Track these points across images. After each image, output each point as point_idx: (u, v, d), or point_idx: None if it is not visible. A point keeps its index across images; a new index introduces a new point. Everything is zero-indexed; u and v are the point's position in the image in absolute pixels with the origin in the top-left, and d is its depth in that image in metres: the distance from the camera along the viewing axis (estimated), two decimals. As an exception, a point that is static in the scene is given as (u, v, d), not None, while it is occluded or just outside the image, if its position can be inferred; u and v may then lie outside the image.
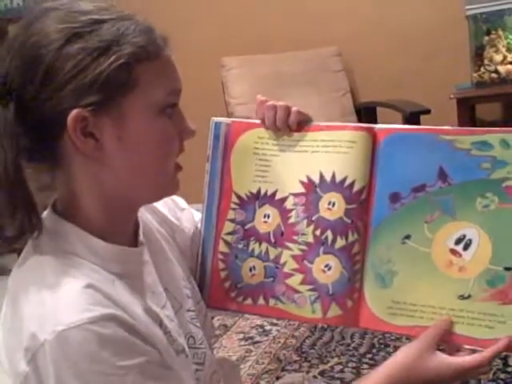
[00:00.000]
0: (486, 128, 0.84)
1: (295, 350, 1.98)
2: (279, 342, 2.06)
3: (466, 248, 0.84)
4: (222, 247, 0.95)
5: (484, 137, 0.83)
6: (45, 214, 0.78)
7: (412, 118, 2.58)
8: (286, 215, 0.92)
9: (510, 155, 0.82)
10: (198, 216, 0.99)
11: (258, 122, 0.94)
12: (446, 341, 0.83)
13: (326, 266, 0.90)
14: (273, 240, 0.93)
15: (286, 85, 2.95)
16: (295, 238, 0.91)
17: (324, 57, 3.06)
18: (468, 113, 2.69)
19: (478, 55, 2.73)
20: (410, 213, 0.86)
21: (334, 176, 0.89)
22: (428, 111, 2.59)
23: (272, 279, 0.92)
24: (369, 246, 0.89)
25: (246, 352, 2.02)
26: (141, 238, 0.83)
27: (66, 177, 0.75)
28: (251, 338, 2.11)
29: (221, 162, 0.95)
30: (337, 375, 1.82)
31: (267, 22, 3.28)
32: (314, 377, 1.81)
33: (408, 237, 0.86)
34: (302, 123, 0.92)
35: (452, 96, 2.67)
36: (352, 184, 0.88)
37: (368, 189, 0.89)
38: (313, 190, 0.91)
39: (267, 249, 0.93)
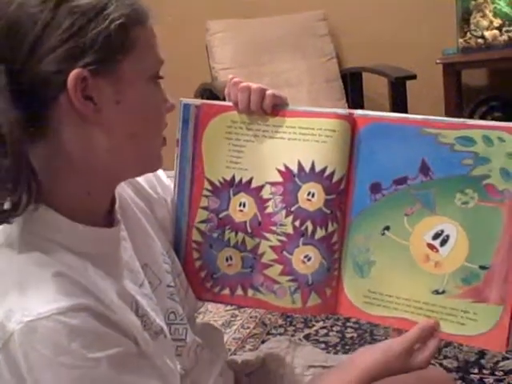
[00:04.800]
0: (468, 122, 0.83)
1: (280, 314, 2.00)
2: (264, 306, 2.07)
3: (442, 244, 0.84)
4: (196, 236, 0.92)
5: (467, 132, 0.82)
6: None
7: (398, 83, 2.57)
8: (262, 204, 0.90)
9: (492, 152, 0.80)
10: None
11: (230, 104, 0.90)
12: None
13: (306, 256, 0.89)
14: (249, 230, 0.90)
15: (271, 49, 2.91)
16: (273, 228, 0.89)
17: (310, 21, 3.02)
18: (454, 78, 2.68)
19: (465, 20, 2.71)
20: (390, 204, 0.86)
21: (313, 165, 0.87)
22: (414, 76, 2.58)
23: (250, 269, 0.91)
24: (348, 234, 0.89)
25: (232, 317, 2.04)
26: (117, 215, 0.81)
27: (52, 147, 0.71)
28: (237, 302, 2.12)
29: (191, 147, 0.91)
30: (321, 339, 1.84)
31: (252, -15, 3.23)
32: (299, 340, 1.83)
33: (387, 228, 0.86)
34: (278, 107, 0.89)
35: (438, 61, 2.65)
36: (332, 174, 0.87)
37: (347, 178, 0.87)
38: (291, 179, 0.88)
39: (244, 239, 0.91)
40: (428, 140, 0.83)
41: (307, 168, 0.88)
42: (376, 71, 2.79)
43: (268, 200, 0.90)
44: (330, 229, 0.88)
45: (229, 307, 2.08)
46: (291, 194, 0.88)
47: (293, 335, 1.86)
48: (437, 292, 0.84)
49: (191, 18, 3.19)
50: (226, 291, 0.93)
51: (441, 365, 1.62)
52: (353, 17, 3.12)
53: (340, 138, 0.86)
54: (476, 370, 1.61)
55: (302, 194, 0.88)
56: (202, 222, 0.92)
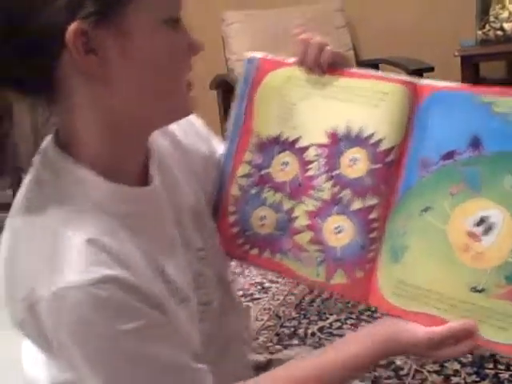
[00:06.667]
0: None
1: (294, 306, 2.00)
2: (278, 299, 2.07)
3: (486, 232, 0.72)
4: (235, 190, 0.89)
5: None
6: (45, 144, 0.73)
7: (415, 75, 2.54)
8: (305, 166, 0.85)
9: None
10: (216, 141, 0.94)
11: (289, 60, 0.87)
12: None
13: (337, 227, 0.82)
14: (289, 190, 0.86)
15: (288, 40, 2.89)
16: (312, 192, 0.84)
17: (327, 12, 3.00)
18: (472, 71, 2.65)
19: (484, 12, 2.68)
20: (435, 182, 0.76)
21: (360, 130, 0.81)
22: (431, 69, 2.56)
23: (282, 232, 0.86)
24: (391, 214, 0.79)
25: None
26: (151, 171, 0.77)
27: (66, 109, 0.69)
28: (250, 294, 2.13)
29: (246, 101, 0.89)
30: (335, 332, 1.84)
31: (269, -24, 3.21)
32: (313, 334, 1.82)
33: (427, 209, 0.75)
34: (337, 66, 0.84)
35: (456, 53, 2.63)
36: (379, 141, 0.80)
37: (400, 150, 0.79)
38: (337, 142, 0.83)
39: (281, 199, 0.86)
40: (483, 110, 0.74)
41: (354, 132, 0.82)
42: (393, 63, 2.77)
43: (311, 162, 0.85)
44: (369, 202, 0.80)
45: (243, 299, 2.08)
46: (334, 158, 0.83)
47: (307, 328, 1.86)
48: (475, 289, 0.72)
49: (207, 9, 3.18)
50: (255, 251, 0.88)
51: (455, 359, 1.61)
52: (370, 8, 3.10)
53: (395, 104, 0.80)
54: (491, 365, 1.60)
55: (345, 159, 0.82)
56: (244, 176, 0.89)
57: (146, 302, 0.68)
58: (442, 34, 2.94)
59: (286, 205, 0.86)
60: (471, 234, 0.73)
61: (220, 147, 0.93)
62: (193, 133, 0.90)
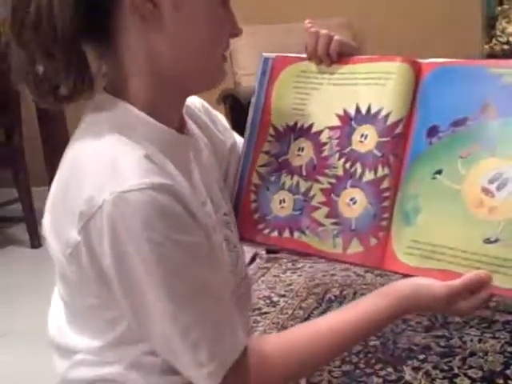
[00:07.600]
0: None
1: (302, 321, 1.99)
2: (287, 313, 2.07)
3: (499, 188, 0.77)
4: (255, 179, 0.96)
5: None
6: (95, 96, 0.79)
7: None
8: (319, 148, 0.92)
9: None
10: (237, 136, 1.02)
11: (302, 56, 0.96)
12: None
13: (352, 199, 0.88)
14: (304, 173, 0.93)
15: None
16: (326, 171, 0.91)
17: (333, 28, 2.99)
18: (479, 85, 2.66)
19: (490, 26, 2.69)
20: (446, 147, 0.81)
21: (369, 108, 0.88)
22: (438, 83, 2.56)
23: (299, 212, 0.92)
24: (401, 183, 0.85)
25: (254, 322, 2.03)
26: (190, 131, 0.85)
27: (119, 51, 0.76)
28: (259, 308, 2.12)
29: (264, 97, 0.97)
30: (344, 346, 1.83)
31: (275, -9, 3.23)
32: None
33: (439, 172, 0.81)
34: (345, 54, 0.93)
35: (463, 68, 2.63)
36: (387, 116, 0.86)
37: (406, 123, 0.86)
38: (348, 123, 0.90)
39: (298, 182, 0.93)
40: (493, 80, 0.80)
41: (364, 111, 0.89)
42: (400, 77, 2.78)
43: (325, 144, 0.92)
44: (380, 173, 0.86)
45: (250, 313, 2.08)
46: (346, 137, 0.90)
47: (315, 342, 1.85)
48: (489, 241, 0.76)
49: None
50: (275, 233, 0.94)
51: (465, 375, 1.60)
52: (376, 23, 3.11)
53: (400, 81, 0.87)
54: (501, 381, 1.58)
55: (356, 136, 0.89)
56: (263, 165, 0.96)
57: (196, 222, 0.73)
58: (448, 49, 2.95)
59: (303, 186, 0.93)
60: (485, 190, 0.78)
61: (241, 141, 1.00)
62: (218, 124, 0.99)
